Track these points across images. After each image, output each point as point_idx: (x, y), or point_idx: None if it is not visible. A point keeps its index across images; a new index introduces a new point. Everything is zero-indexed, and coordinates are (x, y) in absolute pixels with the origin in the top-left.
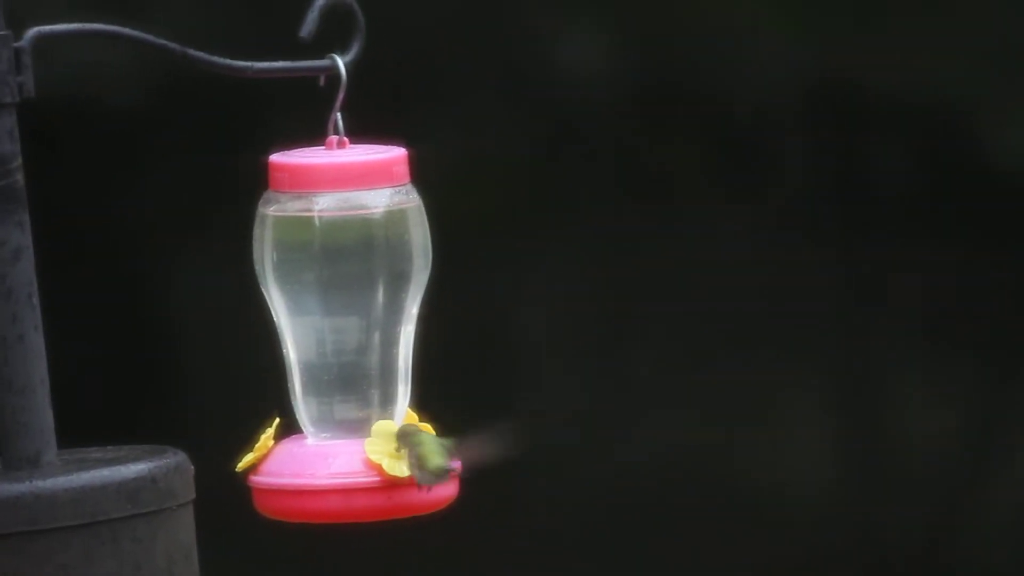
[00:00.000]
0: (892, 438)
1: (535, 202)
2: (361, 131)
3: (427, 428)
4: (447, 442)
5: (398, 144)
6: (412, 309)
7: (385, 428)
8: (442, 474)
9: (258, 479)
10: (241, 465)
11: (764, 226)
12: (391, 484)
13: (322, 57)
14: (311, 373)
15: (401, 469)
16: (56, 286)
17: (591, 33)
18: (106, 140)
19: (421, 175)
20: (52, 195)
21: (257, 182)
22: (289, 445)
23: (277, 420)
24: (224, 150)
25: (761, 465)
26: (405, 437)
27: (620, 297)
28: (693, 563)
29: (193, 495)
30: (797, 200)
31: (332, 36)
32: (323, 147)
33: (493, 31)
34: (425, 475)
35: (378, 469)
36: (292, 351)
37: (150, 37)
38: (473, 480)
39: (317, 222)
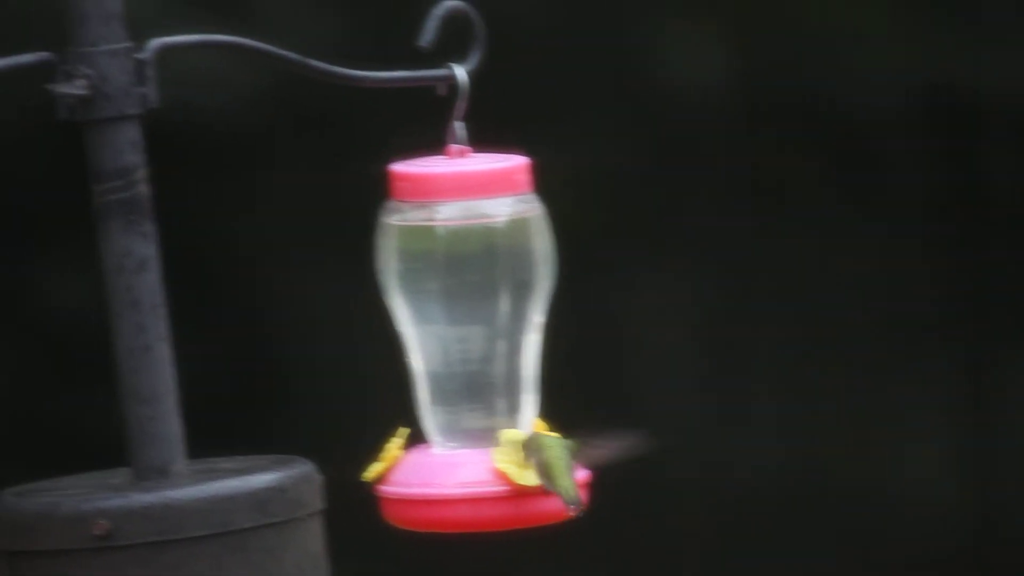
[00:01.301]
0: (1011, 447)
1: (651, 210)
2: (479, 140)
3: (553, 437)
4: (572, 444)
5: (519, 153)
6: (536, 317)
7: (512, 437)
8: (572, 494)
9: (386, 489)
10: (369, 475)
11: (878, 233)
12: (519, 493)
13: (441, 66)
14: (437, 382)
15: (529, 478)
16: (180, 296)
17: (703, 42)
18: (222, 151)
19: (542, 184)
20: (172, 206)
21: (375, 192)
22: (416, 455)
23: (405, 430)
24: (342, 160)
25: (878, 474)
26: (530, 449)
27: (734, 306)
28: (811, 573)
29: (322, 504)
30: (911, 207)
31: (450, 45)
32: (444, 156)
33: (607, 40)
34: (557, 491)
35: (506, 478)
36: (417, 361)
37: (272, 48)
38: (591, 494)
39: (440, 231)
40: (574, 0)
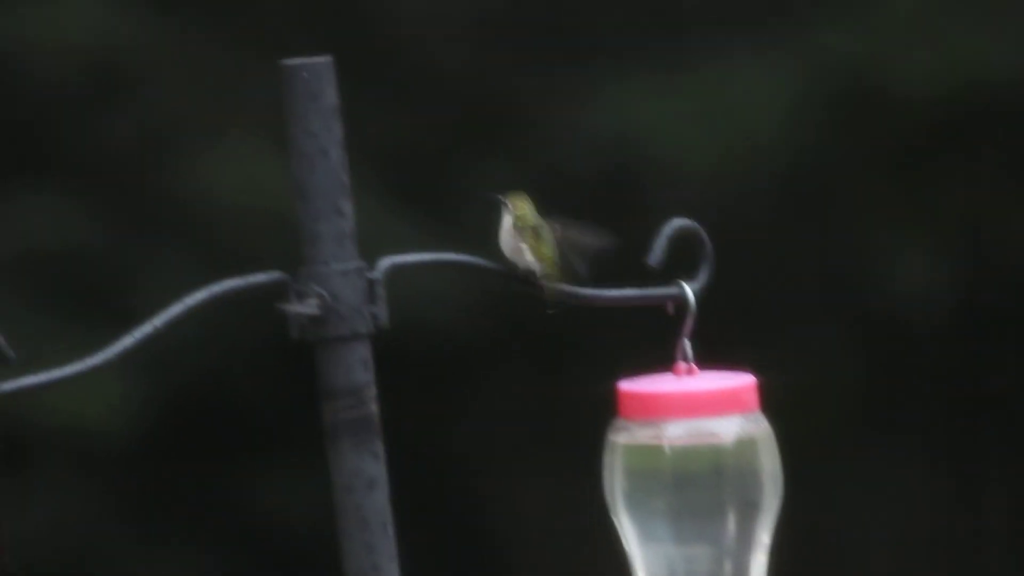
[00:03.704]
0: None
1: (870, 421)
2: (706, 357)
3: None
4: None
5: (746, 371)
6: (763, 538)
7: None
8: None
9: None
10: None
11: None
12: None
13: (669, 284)
14: None
15: None
16: (405, 512)
17: (922, 253)
18: (445, 367)
19: (768, 402)
20: (398, 422)
21: (602, 409)
22: None
23: None
24: (568, 376)
25: None
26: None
27: (955, 503)
28: None
29: None
30: None
31: (675, 262)
32: (671, 374)
33: (823, 252)
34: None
35: None
36: None
37: (500, 267)
38: None
39: (668, 450)
40: (794, 214)
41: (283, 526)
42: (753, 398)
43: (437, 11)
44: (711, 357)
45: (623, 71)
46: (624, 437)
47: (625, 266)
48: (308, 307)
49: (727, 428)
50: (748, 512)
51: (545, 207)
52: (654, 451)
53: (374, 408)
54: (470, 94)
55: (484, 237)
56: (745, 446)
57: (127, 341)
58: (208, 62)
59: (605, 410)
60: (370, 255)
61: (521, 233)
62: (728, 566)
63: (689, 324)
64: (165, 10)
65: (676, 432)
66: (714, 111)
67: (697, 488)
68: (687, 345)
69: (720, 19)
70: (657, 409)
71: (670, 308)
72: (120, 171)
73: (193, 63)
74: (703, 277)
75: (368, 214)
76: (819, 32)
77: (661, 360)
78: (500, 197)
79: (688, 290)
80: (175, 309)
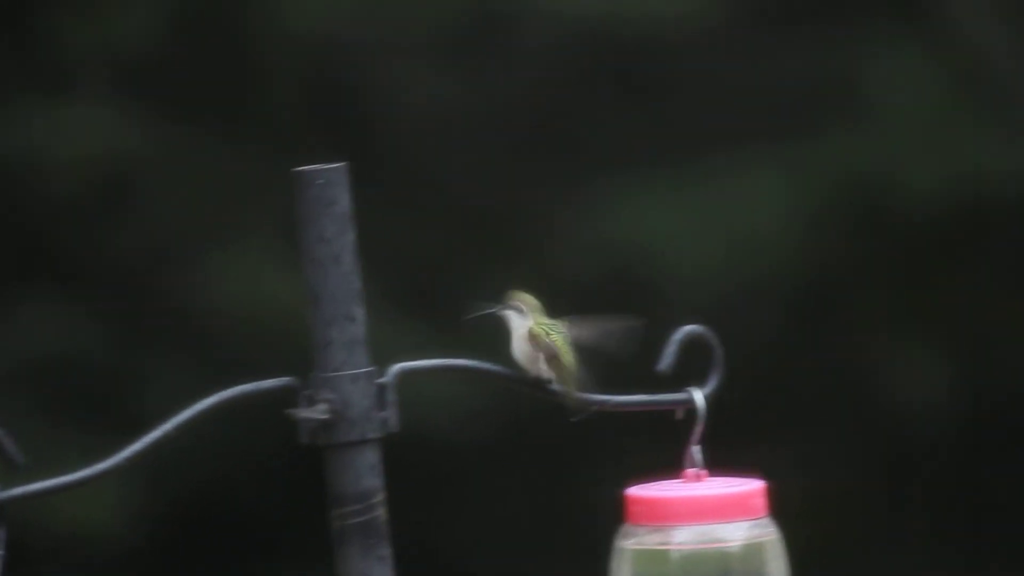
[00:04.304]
0: None
1: (876, 530)
2: (712, 461)
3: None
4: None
5: (754, 476)
6: None
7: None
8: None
9: None
10: None
11: None
12: None
13: (678, 389)
14: None
15: None
16: None
17: (930, 360)
18: (450, 470)
19: (776, 507)
20: (403, 526)
21: (608, 513)
22: None
23: None
24: (571, 481)
25: None
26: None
27: None
28: None
29: None
30: None
31: (684, 367)
32: (679, 479)
33: (831, 358)
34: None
35: None
36: None
37: (511, 372)
38: None
39: (675, 555)
40: (802, 320)
41: None
42: (761, 503)
43: (443, 118)
44: (720, 461)
45: (631, 178)
46: (632, 542)
47: (633, 370)
48: (318, 412)
49: (735, 533)
50: None
51: (553, 311)
52: (661, 556)
53: (382, 512)
54: (477, 200)
55: (493, 341)
56: (753, 551)
57: (136, 446)
58: (213, 168)
59: (611, 514)
60: (378, 359)
61: (540, 344)
62: None
63: (699, 430)
64: (172, 117)
65: (683, 537)
66: (721, 219)
67: None
68: (696, 451)
69: (729, 128)
70: (665, 514)
71: (679, 413)
72: (126, 277)
73: (198, 170)
74: (713, 382)
75: (374, 318)
76: (827, 142)
77: (667, 463)
78: (505, 306)
79: (698, 396)
80: (185, 414)
